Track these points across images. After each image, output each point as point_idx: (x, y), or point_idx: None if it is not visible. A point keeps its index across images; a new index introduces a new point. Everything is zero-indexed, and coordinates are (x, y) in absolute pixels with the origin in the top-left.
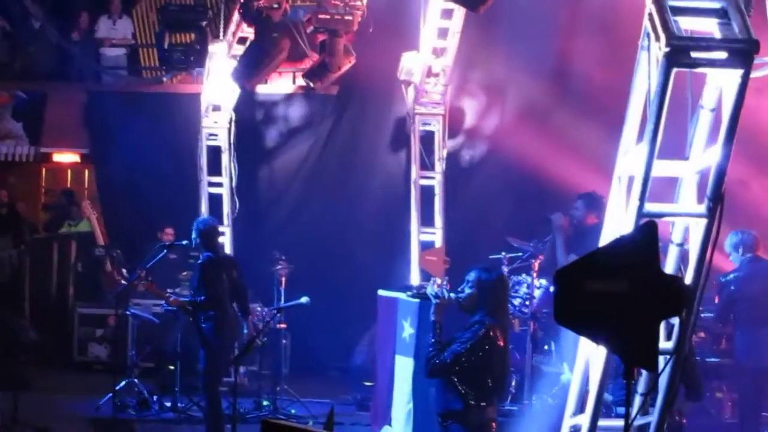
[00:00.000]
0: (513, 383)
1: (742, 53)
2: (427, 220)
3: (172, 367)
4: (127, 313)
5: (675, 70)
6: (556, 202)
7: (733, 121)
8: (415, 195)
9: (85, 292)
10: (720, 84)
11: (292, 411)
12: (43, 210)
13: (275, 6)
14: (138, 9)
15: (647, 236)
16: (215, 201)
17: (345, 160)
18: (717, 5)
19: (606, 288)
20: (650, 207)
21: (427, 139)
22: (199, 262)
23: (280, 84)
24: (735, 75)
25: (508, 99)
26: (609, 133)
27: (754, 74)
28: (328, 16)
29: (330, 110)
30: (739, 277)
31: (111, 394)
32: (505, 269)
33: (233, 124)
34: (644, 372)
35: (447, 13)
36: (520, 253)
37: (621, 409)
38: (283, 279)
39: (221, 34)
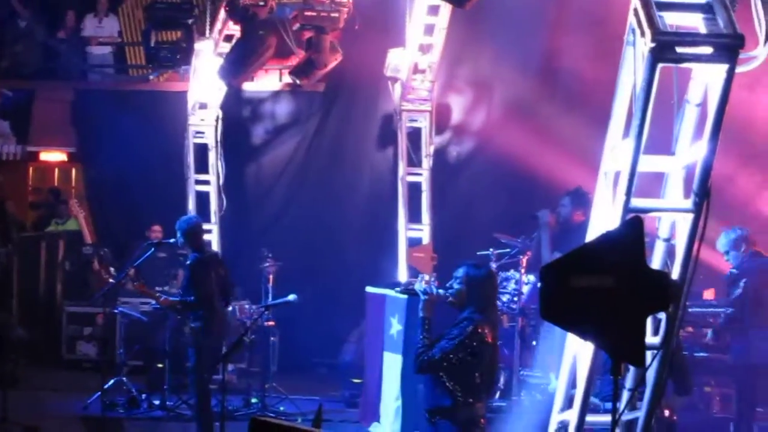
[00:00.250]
0: (502, 379)
1: (728, 48)
2: (414, 216)
3: (160, 366)
4: (116, 311)
5: (660, 65)
6: (544, 198)
7: (718, 116)
8: (402, 192)
9: (73, 290)
10: (706, 79)
11: (281, 408)
12: (30, 208)
13: (261, 3)
14: (124, 7)
15: (633, 232)
16: (202, 199)
17: (332, 157)
18: (702, 0)
19: (592, 283)
20: (637, 202)
21: (415, 135)
22: (188, 263)
23: (266, 81)
24: (720, 70)
25: (495, 95)
26: (596, 129)
27: (739, 69)
28: (314, 13)
29: (317, 107)
30: (746, 269)
31: (100, 393)
32: (494, 265)
33: (220, 121)
34: (632, 367)
35: (433, 10)
36: (508, 249)
37: (609, 405)
38: (271, 276)
39: (207, 31)
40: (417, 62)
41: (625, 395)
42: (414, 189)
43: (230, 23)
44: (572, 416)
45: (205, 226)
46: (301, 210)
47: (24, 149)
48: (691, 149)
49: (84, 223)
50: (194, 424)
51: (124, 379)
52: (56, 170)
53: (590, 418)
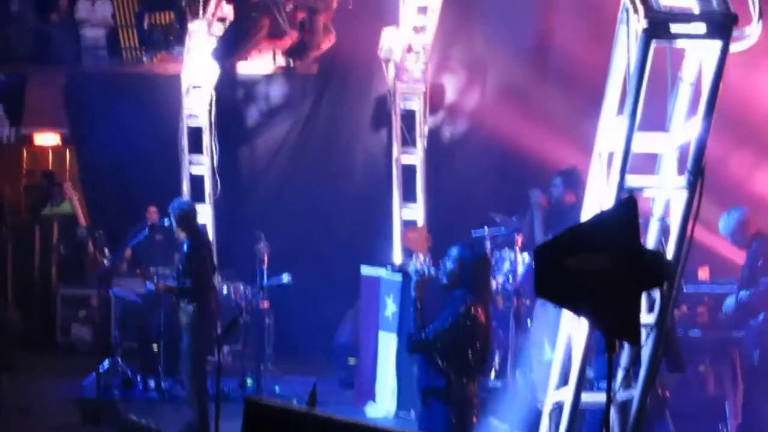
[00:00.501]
0: (497, 359)
1: (721, 26)
2: (409, 197)
3: (155, 347)
4: (110, 293)
5: (654, 43)
6: (538, 178)
7: (712, 94)
8: (396, 172)
9: (67, 273)
10: (699, 57)
11: (276, 389)
12: (24, 192)
13: None
14: None
15: (628, 210)
16: (197, 181)
17: (326, 138)
18: None
19: (587, 263)
20: (631, 181)
21: (408, 116)
22: (185, 252)
23: (260, 64)
24: (714, 47)
25: (489, 76)
26: (589, 108)
27: (733, 48)
28: None
29: (310, 89)
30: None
31: (95, 375)
32: (488, 245)
33: (214, 103)
34: (626, 345)
35: None
36: (503, 229)
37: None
38: (266, 258)
39: (201, 12)
40: (411, 43)
41: (620, 374)
42: (408, 170)
43: (223, 4)
44: (567, 395)
45: (200, 208)
46: (295, 191)
47: (17, 132)
48: (685, 128)
49: (78, 205)
50: (189, 406)
51: (119, 361)
52: (50, 153)
53: (585, 396)
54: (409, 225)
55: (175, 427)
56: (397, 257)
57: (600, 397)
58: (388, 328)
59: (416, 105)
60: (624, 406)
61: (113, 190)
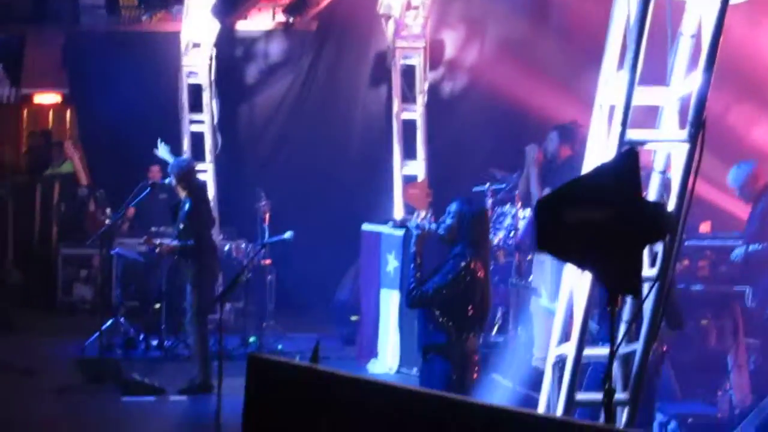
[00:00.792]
0: (498, 315)
1: None
2: (409, 153)
3: (157, 306)
4: (112, 253)
5: None
6: (539, 133)
7: (713, 47)
8: (397, 129)
9: (68, 233)
10: (699, 10)
11: (279, 347)
12: (26, 155)
13: None
14: None
15: (629, 163)
16: (197, 139)
17: (326, 95)
18: None
19: (588, 216)
20: (632, 134)
21: (408, 72)
22: (186, 210)
23: (259, 20)
24: (714, 0)
25: (488, 30)
26: (590, 62)
27: (733, 0)
28: None
29: (310, 46)
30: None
31: (97, 335)
32: (489, 201)
33: (213, 61)
34: (629, 300)
35: None
36: (504, 185)
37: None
38: (267, 215)
39: None
40: None
41: (622, 328)
42: (408, 126)
43: None
44: (570, 349)
45: (201, 166)
46: (295, 148)
47: (18, 92)
48: (685, 81)
49: (79, 165)
50: (192, 364)
51: (121, 320)
52: (50, 113)
53: (588, 351)
54: (409, 181)
55: (178, 385)
56: (398, 213)
57: (602, 351)
58: (390, 284)
59: (416, 61)
60: (626, 360)
61: (114, 149)
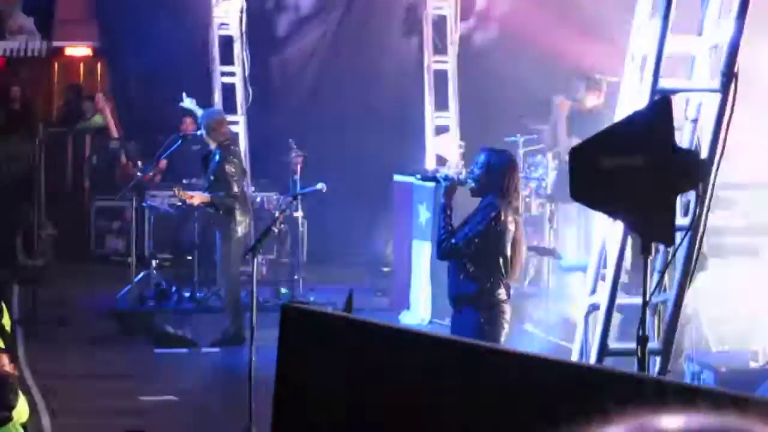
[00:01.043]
0: (531, 265)
1: None
2: (440, 104)
3: (189, 258)
4: (144, 205)
5: None
6: (570, 83)
7: None
8: (428, 80)
9: (100, 185)
10: None
11: (311, 298)
12: (59, 107)
13: None
14: None
15: (662, 110)
16: (228, 91)
17: (357, 46)
18: None
19: (622, 163)
20: (664, 83)
21: (439, 23)
22: (216, 161)
23: None
24: None
25: None
26: (623, 11)
27: None
28: None
29: None
30: None
31: (129, 286)
32: (521, 151)
33: (244, 12)
34: (662, 249)
35: None
36: (535, 135)
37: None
38: (299, 167)
39: None
40: None
41: (655, 277)
42: (440, 77)
43: None
44: (602, 298)
45: (232, 118)
46: (326, 100)
47: (49, 45)
48: (718, 29)
49: (110, 117)
50: (224, 316)
51: (154, 272)
52: (81, 65)
53: (620, 300)
54: (441, 132)
55: (210, 337)
56: (430, 164)
57: (635, 301)
58: (422, 235)
59: (447, 11)
60: (658, 309)
61: (144, 102)
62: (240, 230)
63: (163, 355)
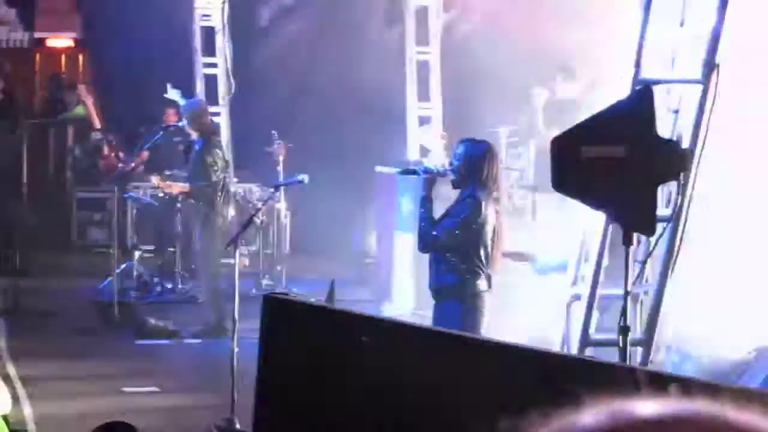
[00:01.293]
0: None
1: None
2: (423, 95)
3: (172, 249)
4: (125, 196)
5: None
6: (554, 73)
7: None
8: (410, 70)
9: (82, 176)
10: None
11: (293, 290)
12: (41, 98)
13: None
14: None
15: (643, 100)
16: (210, 81)
17: (340, 37)
18: None
19: (604, 153)
20: (646, 73)
21: (422, 13)
22: (197, 150)
23: None
24: None
25: None
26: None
27: None
28: None
29: None
30: None
31: (111, 278)
32: (503, 141)
33: (227, 3)
34: (643, 240)
35: None
36: (518, 126)
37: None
38: (281, 158)
39: None
40: None
41: (637, 267)
42: (423, 67)
43: None
44: (584, 288)
45: (214, 109)
46: (309, 91)
47: (31, 36)
48: (699, 20)
49: (92, 108)
50: (206, 307)
51: (136, 263)
52: (63, 57)
53: (602, 290)
54: (423, 123)
55: (192, 328)
56: (413, 155)
57: (617, 291)
58: (405, 227)
59: (430, 2)
60: (640, 299)
61: (127, 93)
62: (221, 221)
63: (145, 346)
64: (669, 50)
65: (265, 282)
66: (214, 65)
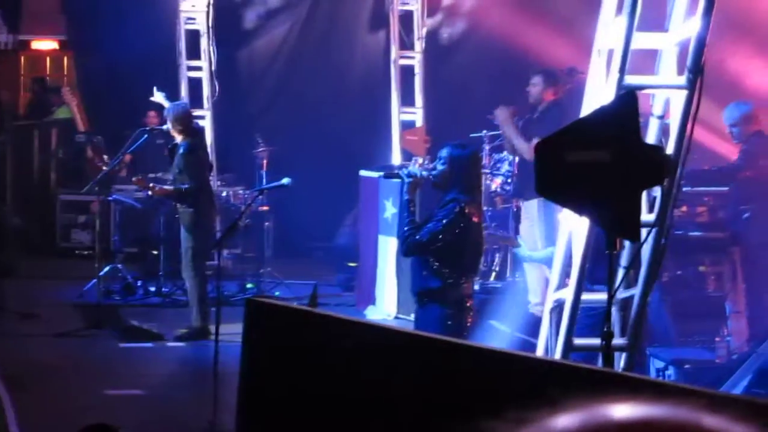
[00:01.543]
0: (496, 261)
1: None
2: (407, 99)
3: (155, 252)
4: (110, 198)
5: None
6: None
7: None
8: (395, 75)
9: (66, 178)
10: None
11: (277, 293)
12: (26, 101)
13: None
14: None
15: (628, 105)
16: (195, 85)
17: (324, 41)
18: None
19: (588, 158)
20: (630, 79)
21: (406, 18)
22: (181, 153)
23: None
24: None
25: None
26: (589, 6)
27: None
28: None
29: None
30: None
31: (95, 280)
32: (487, 147)
33: (212, 6)
34: (627, 245)
35: None
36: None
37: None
38: (265, 162)
39: None
40: None
41: (621, 273)
42: (407, 72)
43: None
44: (568, 294)
45: (198, 112)
46: (294, 94)
47: (15, 38)
48: (684, 25)
49: (77, 111)
50: (190, 310)
51: (120, 266)
52: (48, 59)
53: (586, 296)
54: (407, 127)
55: (176, 331)
56: (396, 159)
57: (600, 296)
58: (388, 231)
59: (414, 6)
60: (624, 305)
61: (112, 96)
62: (205, 224)
63: (129, 349)
64: (653, 55)
65: (249, 285)
66: (198, 68)
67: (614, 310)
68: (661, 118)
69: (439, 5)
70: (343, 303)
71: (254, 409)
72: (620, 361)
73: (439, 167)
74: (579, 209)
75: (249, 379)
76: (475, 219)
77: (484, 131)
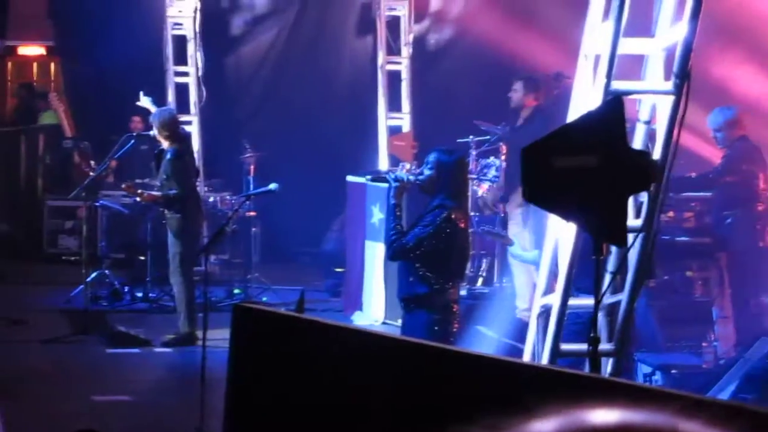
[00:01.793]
0: (484, 266)
1: None
2: (394, 105)
3: (143, 258)
4: (97, 204)
5: None
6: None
7: None
8: (382, 80)
9: (53, 184)
10: None
11: (264, 299)
12: (12, 106)
13: None
14: None
15: (614, 111)
16: (182, 90)
17: (312, 46)
18: None
19: (574, 164)
20: (617, 85)
21: (393, 23)
22: (168, 158)
23: None
24: None
25: None
26: (575, 12)
27: None
28: None
29: None
30: (730, 156)
31: (82, 286)
32: (473, 153)
33: (199, 12)
34: (614, 250)
35: None
36: (489, 137)
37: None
38: (252, 167)
39: None
40: None
41: (608, 278)
42: (394, 77)
43: None
44: (555, 300)
45: (185, 118)
46: (281, 100)
47: (2, 44)
48: (671, 30)
49: (64, 116)
50: (177, 315)
51: (107, 272)
52: (35, 65)
53: (573, 301)
54: (394, 132)
55: (163, 337)
56: (383, 164)
57: (587, 302)
58: (375, 236)
59: (401, 12)
60: (611, 311)
61: (99, 101)
62: (192, 229)
63: (116, 354)
64: (640, 61)
65: (236, 291)
66: (185, 74)
67: (601, 315)
68: (648, 123)
69: (426, 11)
70: (331, 308)
71: (242, 414)
72: (607, 367)
73: (426, 172)
74: (566, 215)
75: (236, 385)
76: (461, 224)
77: (471, 137)
